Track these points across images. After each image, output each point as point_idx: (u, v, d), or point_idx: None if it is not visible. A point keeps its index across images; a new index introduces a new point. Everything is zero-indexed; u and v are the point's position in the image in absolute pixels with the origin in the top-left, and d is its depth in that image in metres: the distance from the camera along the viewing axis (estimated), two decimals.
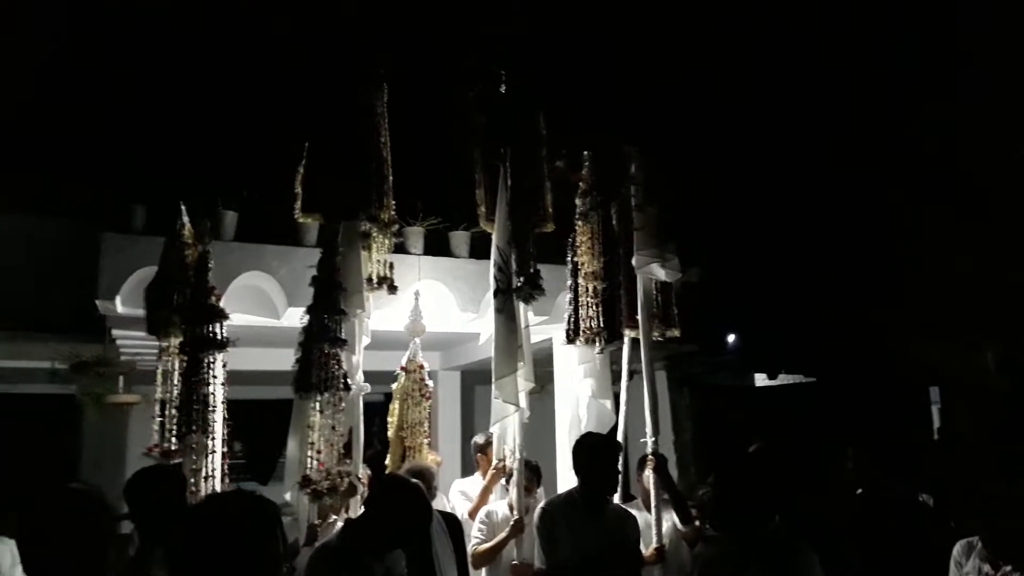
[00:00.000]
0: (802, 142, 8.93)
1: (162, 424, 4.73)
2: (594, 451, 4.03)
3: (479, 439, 5.56)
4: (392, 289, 4.65)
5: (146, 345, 6.20)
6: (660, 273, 4.81)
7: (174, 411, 4.52)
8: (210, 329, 4.26)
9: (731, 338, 11.02)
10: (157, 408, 4.79)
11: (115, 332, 6.03)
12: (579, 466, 4.03)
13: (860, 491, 4.70)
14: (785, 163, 9.21)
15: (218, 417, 4.29)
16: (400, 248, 5.65)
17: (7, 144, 6.72)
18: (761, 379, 10.79)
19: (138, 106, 6.44)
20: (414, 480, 3.53)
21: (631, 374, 5.20)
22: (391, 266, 4.71)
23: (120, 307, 5.12)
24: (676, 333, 5.16)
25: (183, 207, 4.73)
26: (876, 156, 8.66)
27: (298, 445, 4.19)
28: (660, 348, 5.14)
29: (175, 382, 4.68)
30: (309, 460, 4.13)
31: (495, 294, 4.58)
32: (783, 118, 8.46)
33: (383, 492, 3.48)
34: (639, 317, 4.88)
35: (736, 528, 3.25)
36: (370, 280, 4.58)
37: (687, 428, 8.77)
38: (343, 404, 4.24)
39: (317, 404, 4.14)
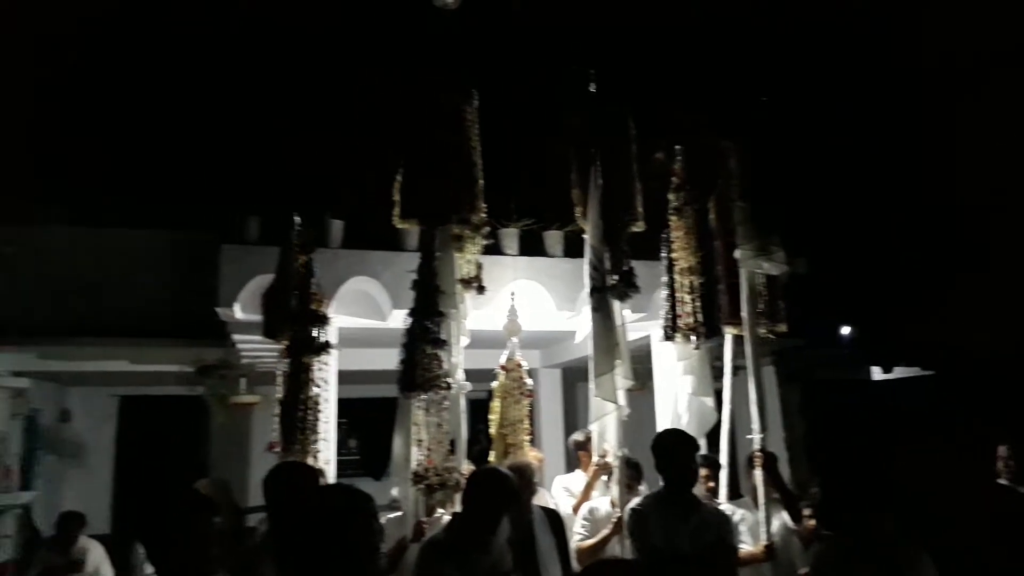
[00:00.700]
0: (917, 123, 8.47)
1: (281, 423, 4.99)
2: (670, 449, 3.96)
3: (577, 436, 5.58)
4: (481, 289, 4.74)
5: (264, 348, 6.57)
6: (765, 267, 4.70)
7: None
8: (313, 333, 4.46)
9: (844, 331, 10.56)
10: (278, 408, 5.05)
11: (235, 337, 6.40)
12: (658, 465, 3.99)
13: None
14: (898, 145, 8.75)
15: (328, 416, 4.50)
16: (496, 249, 5.76)
17: (131, 168, 7.29)
18: (876, 373, 10.29)
19: (250, 124, 6.82)
20: (502, 470, 3.62)
21: (735, 370, 5.10)
22: (480, 267, 4.80)
23: (239, 313, 5.46)
24: (783, 328, 5.04)
25: (296, 218, 4.96)
26: (993, 137, 8.11)
27: (403, 443, 4.35)
28: (766, 343, 5.01)
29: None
30: (418, 457, 4.28)
31: (590, 293, 4.60)
32: (892, 100, 8.05)
33: (470, 484, 3.59)
34: (743, 313, 4.78)
35: (847, 527, 3.16)
36: (462, 281, 4.68)
37: (798, 425, 8.47)
38: (447, 402, 4.38)
39: (421, 403, 4.29)
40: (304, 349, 4.42)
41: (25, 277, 7.40)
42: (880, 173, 8.88)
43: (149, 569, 6.60)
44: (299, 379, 4.41)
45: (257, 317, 5.37)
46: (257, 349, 6.70)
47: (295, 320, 4.52)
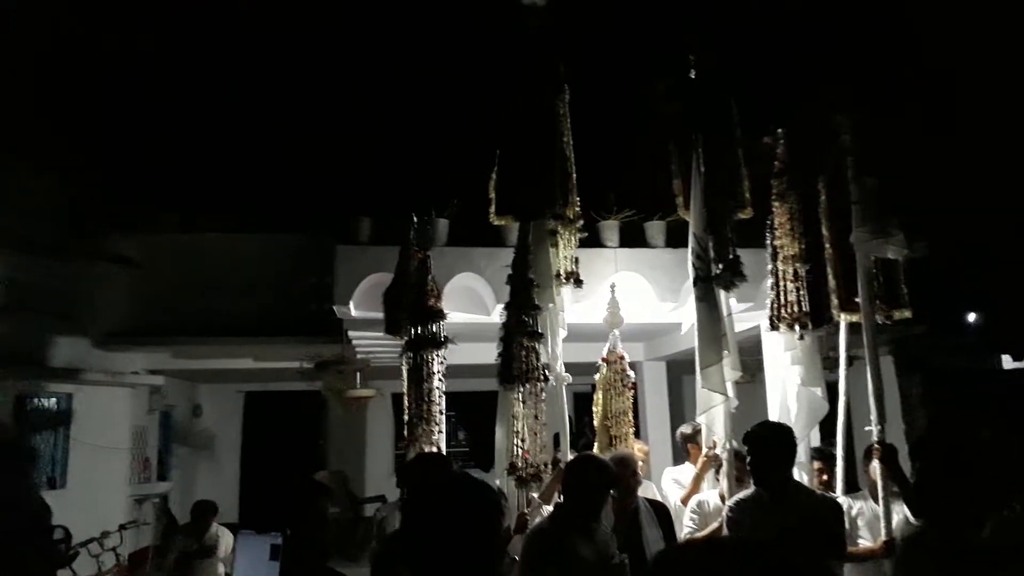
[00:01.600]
0: None
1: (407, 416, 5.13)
2: (763, 442, 3.79)
3: (685, 429, 5.53)
4: (578, 283, 4.76)
5: (379, 344, 6.83)
6: (884, 250, 4.47)
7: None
8: (430, 329, 4.62)
9: (970, 317, 9.94)
10: (402, 401, 5.20)
11: (351, 333, 6.68)
12: (751, 458, 3.86)
13: None
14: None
15: (439, 409, 4.64)
16: (596, 242, 5.77)
17: (253, 176, 7.73)
18: (1007, 361, 9.62)
19: (360, 130, 7.12)
20: (598, 456, 3.64)
21: (850, 360, 4.91)
22: (576, 261, 4.82)
23: (354, 311, 5.71)
24: (907, 314, 4.78)
25: (414, 217, 5.10)
26: None
27: (505, 434, 4.44)
28: (884, 331, 4.77)
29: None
30: (515, 448, 4.36)
31: (695, 282, 4.54)
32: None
33: (568, 472, 3.64)
34: (859, 299, 4.59)
35: (940, 521, 2.98)
36: (558, 275, 4.71)
37: (920, 416, 8.07)
38: (544, 394, 4.43)
39: (520, 395, 4.36)
40: (424, 344, 4.56)
41: (157, 281, 7.97)
42: (1005, 142, 8.29)
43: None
44: (420, 373, 4.56)
45: (371, 314, 5.60)
46: (372, 345, 6.97)
47: (414, 316, 4.67)
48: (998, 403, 8.75)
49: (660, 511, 4.43)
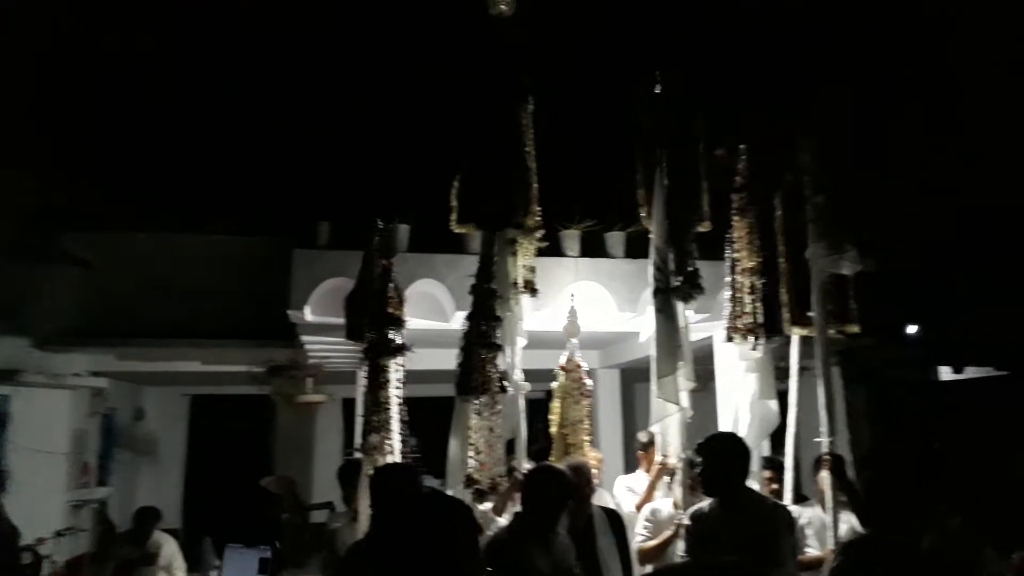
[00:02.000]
0: (991, 112, 8.15)
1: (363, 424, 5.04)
2: (717, 453, 3.84)
3: (642, 437, 5.60)
4: (534, 293, 4.77)
5: (333, 349, 6.75)
6: (838, 266, 4.60)
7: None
8: (389, 336, 4.56)
9: (911, 329, 10.26)
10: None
11: (304, 338, 6.59)
12: (705, 468, 3.90)
13: None
14: (974, 133, 8.42)
15: (395, 416, 4.55)
16: (557, 251, 5.80)
17: (207, 175, 7.56)
18: (946, 373, 9.98)
19: (319, 131, 7.02)
20: (556, 466, 3.66)
21: (801, 371, 5.04)
22: (533, 270, 4.82)
23: (309, 316, 5.63)
24: (855, 329, 4.94)
25: (380, 224, 4.99)
26: None
27: (459, 445, 4.42)
28: (832, 343, 4.91)
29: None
30: (470, 460, 4.32)
31: (654, 294, 4.59)
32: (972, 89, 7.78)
33: (527, 482, 3.66)
34: (812, 313, 4.72)
35: (878, 530, 3.07)
36: (516, 284, 4.70)
37: (864, 427, 8.31)
38: (499, 406, 4.42)
39: (475, 406, 4.33)
40: (384, 351, 4.51)
41: (106, 281, 7.73)
42: (951, 162, 8.59)
43: (216, 561, 6.85)
44: (377, 381, 4.50)
45: (327, 319, 5.53)
46: (325, 350, 6.88)
47: (375, 323, 4.61)
48: (937, 414, 9.08)
49: (614, 519, 4.48)
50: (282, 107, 7.13)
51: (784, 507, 4.24)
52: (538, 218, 4.81)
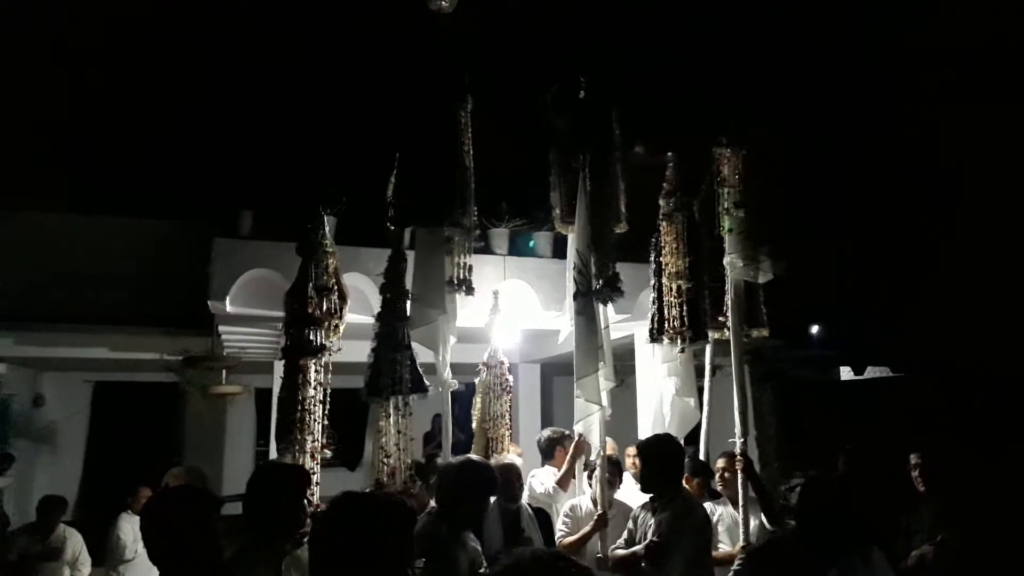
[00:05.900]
0: (902, 123, 8.61)
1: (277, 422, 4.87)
2: (655, 454, 4.18)
3: (552, 433, 5.60)
4: (470, 291, 4.77)
5: (250, 340, 6.58)
6: (752, 275, 4.79)
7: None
8: (313, 334, 4.44)
9: (814, 331, 10.79)
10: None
11: (222, 328, 6.39)
12: (643, 468, 4.22)
13: None
14: (878, 144, 8.88)
15: (315, 418, 4.42)
16: (486, 249, 5.83)
17: (123, 154, 7.23)
18: (846, 373, 10.54)
19: (246, 119, 6.81)
20: (475, 459, 3.67)
21: (714, 370, 5.25)
22: (470, 269, 4.82)
23: (229, 307, 5.46)
24: (764, 333, 5.17)
25: (323, 213, 4.80)
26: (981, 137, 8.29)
27: (373, 446, 4.37)
28: (743, 344, 5.13)
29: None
30: (380, 464, 4.28)
31: (575, 297, 4.65)
32: (872, 98, 8.20)
33: (441, 477, 3.57)
34: (725, 317, 4.91)
35: (821, 533, 3.18)
36: (451, 282, 4.69)
37: (770, 424, 8.70)
38: (410, 409, 4.40)
39: (385, 408, 4.30)
40: (302, 351, 4.37)
41: (4, 263, 7.31)
42: (856, 174, 9.05)
43: (139, 546, 6.54)
44: (296, 380, 4.36)
45: (246, 310, 5.39)
46: (242, 341, 6.70)
47: (294, 322, 4.44)
48: (837, 412, 9.57)
49: (541, 516, 4.57)
50: (211, 87, 6.89)
51: (702, 506, 4.42)
52: (475, 217, 4.80)
